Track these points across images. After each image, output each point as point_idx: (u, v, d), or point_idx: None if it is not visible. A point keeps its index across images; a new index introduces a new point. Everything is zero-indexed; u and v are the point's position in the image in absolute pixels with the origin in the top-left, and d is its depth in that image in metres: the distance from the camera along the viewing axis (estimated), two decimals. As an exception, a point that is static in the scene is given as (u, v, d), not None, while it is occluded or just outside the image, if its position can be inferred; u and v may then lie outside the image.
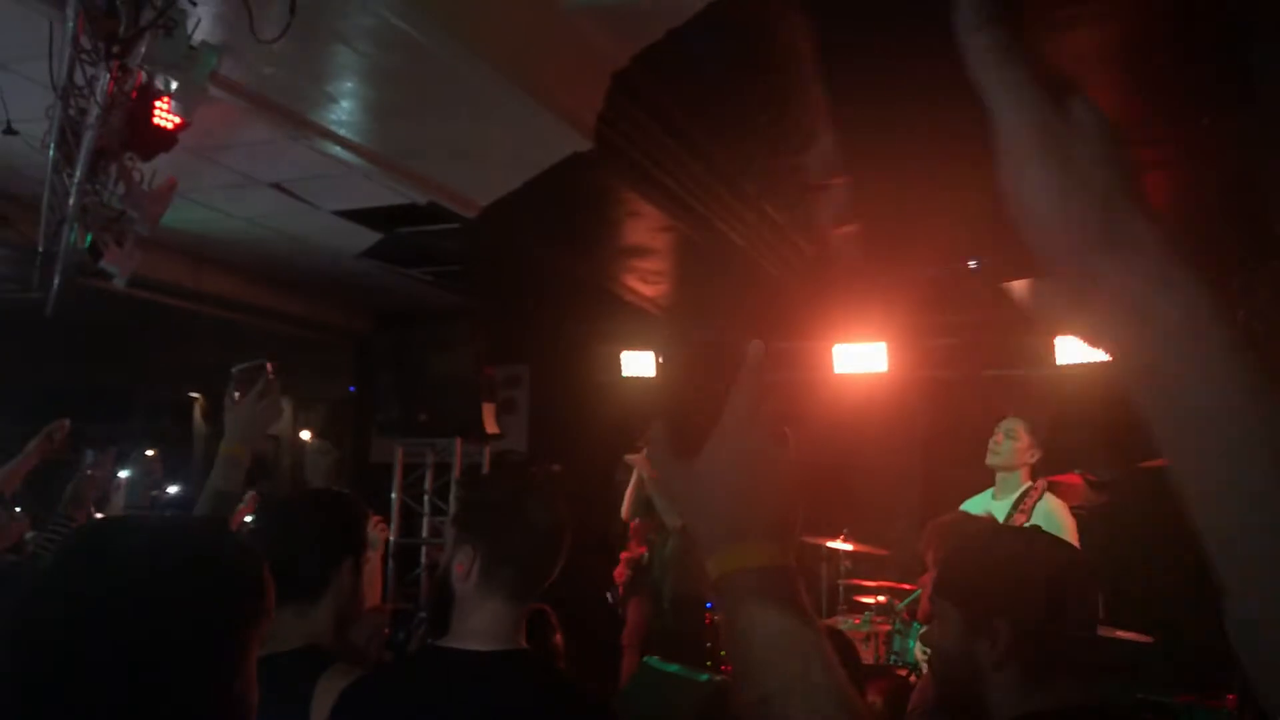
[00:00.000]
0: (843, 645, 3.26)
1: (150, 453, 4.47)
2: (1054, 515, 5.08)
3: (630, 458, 7.11)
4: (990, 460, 5.42)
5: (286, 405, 12.64)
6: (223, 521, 2.44)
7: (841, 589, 7.37)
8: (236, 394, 2.62)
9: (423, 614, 4.55)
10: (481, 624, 1.98)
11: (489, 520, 2.02)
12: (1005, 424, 5.47)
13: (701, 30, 4.48)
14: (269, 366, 2.66)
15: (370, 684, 2.08)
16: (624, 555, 7.82)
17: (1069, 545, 1.91)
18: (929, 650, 4.81)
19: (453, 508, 2.14)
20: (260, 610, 1.22)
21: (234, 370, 2.67)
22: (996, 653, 1.71)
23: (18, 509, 4.74)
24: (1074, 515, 5.19)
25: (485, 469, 9.15)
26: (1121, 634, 5.14)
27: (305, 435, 10.49)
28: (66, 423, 4.52)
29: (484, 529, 2.01)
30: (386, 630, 3.63)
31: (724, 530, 0.99)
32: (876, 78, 4.98)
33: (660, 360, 8.64)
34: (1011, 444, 5.40)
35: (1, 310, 8.97)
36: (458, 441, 9.28)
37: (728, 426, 1.01)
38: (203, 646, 1.14)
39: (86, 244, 5.36)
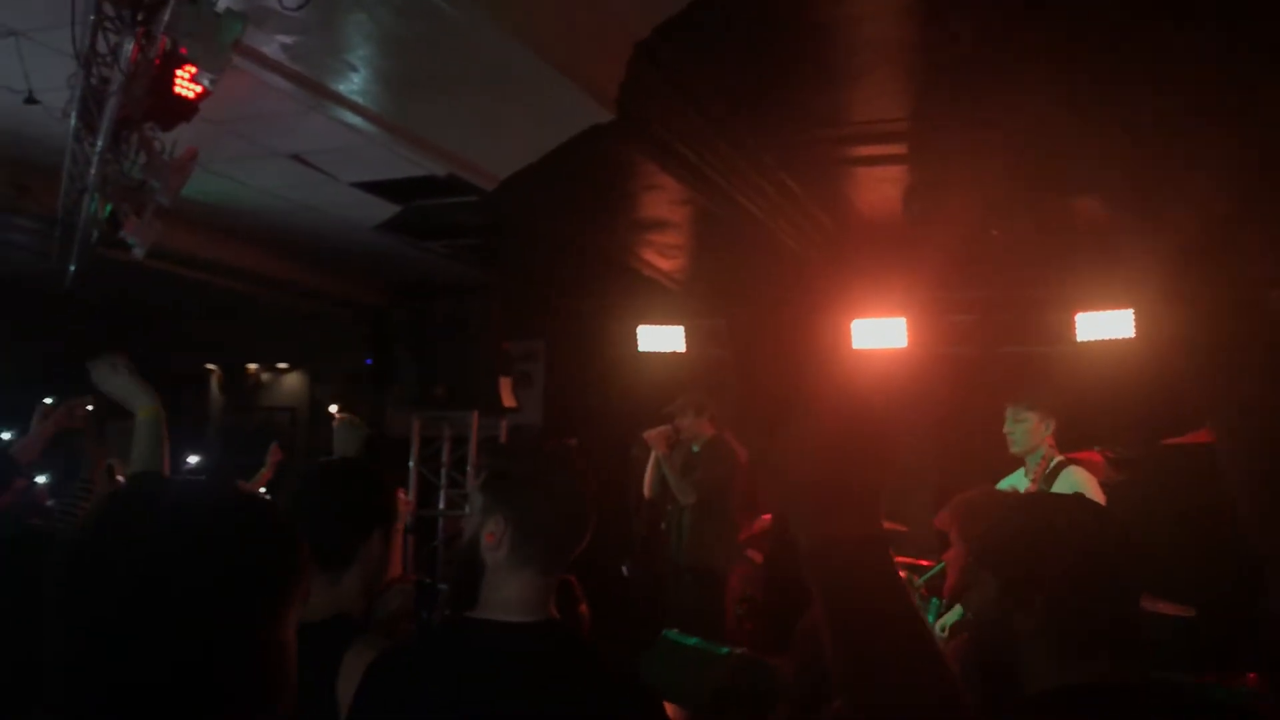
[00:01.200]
0: None
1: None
2: (1078, 483, 5.07)
3: (647, 434, 7.10)
4: (1013, 450, 5.44)
5: (303, 378, 12.68)
6: (237, 485, 2.45)
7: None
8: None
9: (443, 586, 4.54)
10: (514, 595, 1.97)
11: (520, 490, 2.00)
12: (1009, 413, 5.47)
13: (723, 2, 4.44)
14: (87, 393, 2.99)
15: (403, 655, 2.07)
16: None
17: (1113, 518, 1.88)
18: (945, 629, 4.81)
19: (479, 475, 2.10)
20: (296, 571, 1.20)
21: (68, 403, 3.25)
22: (1032, 622, 1.71)
23: (39, 478, 4.76)
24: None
25: (502, 440, 9.17)
26: (1164, 607, 5.13)
27: (333, 409, 10.53)
28: (89, 399, 4.53)
29: (515, 499, 1.99)
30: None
31: (821, 501, 1.07)
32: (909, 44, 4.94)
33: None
34: (1023, 427, 5.40)
35: (21, 279, 9.00)
36: (474, 415, 9.30)
37: (820, 404, 1.10)
38: (241, 611, 1.13)
39: (106, 214, 5.36)
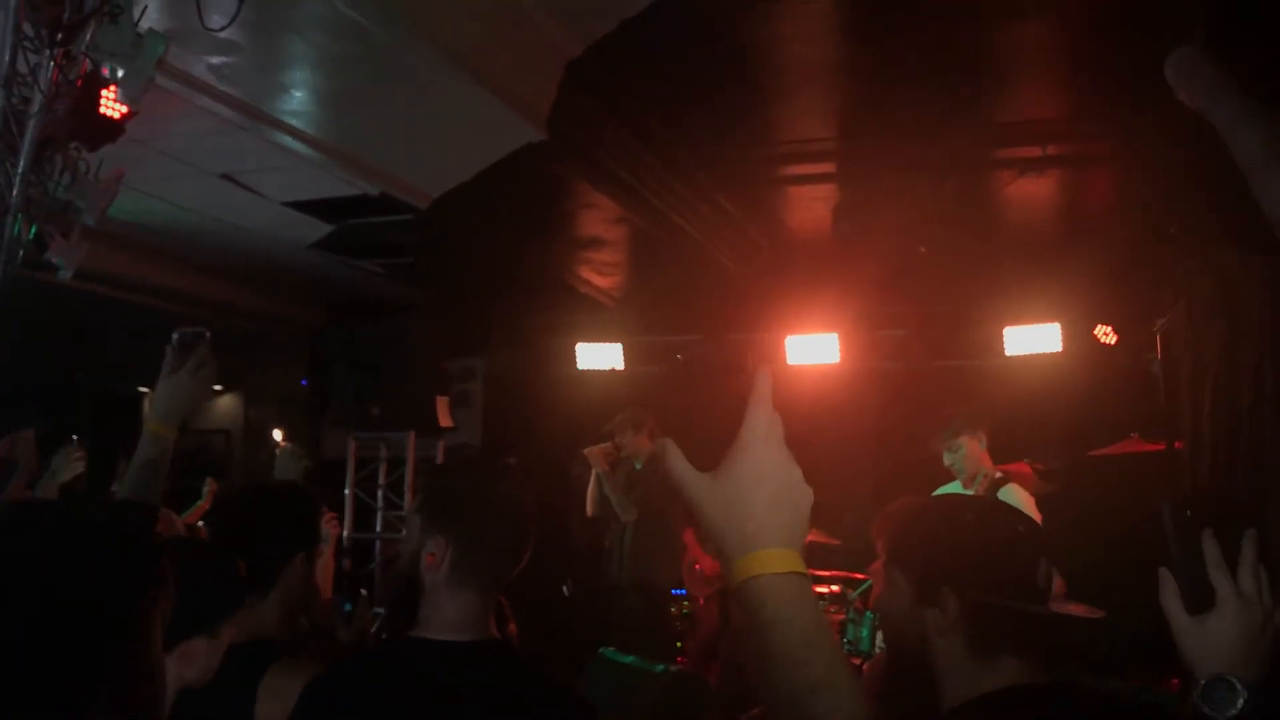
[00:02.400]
0: None
1: (74, 438, 4.43)
2: (1016, 500, 5.15)
3: (588, 451, 7.11)
4: (960, 478, 5.46)
5: (238, 399, 12.51)
6: (140, 504, 2.35)
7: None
8: (173, 365, 2.47)
9: (379, 609, 4.51)
10: (454, 614, 1.96)
11: (460, 511, 2.00)
12: (943, 446, 5.47)
13: (655, 20, 4.49)
14: (207, 335, 2.52)
15: (343, 675, 2.06)
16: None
17: (1027, 519, 1.90)
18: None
19: (419, 497, 2.09)
20: (153, 586, 1.20)
21: (174, 335, 2.55)
22: (944, 621, 1.71)
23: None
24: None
25: (438, 464, 9.12)
26: (1074, 608, 5.22)
27: (277, 434, 10.39)
28: (32, 433, 4.46)
29: (455, 520, 1.99)
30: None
31: (751, 537, 1.09)
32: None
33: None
34: (961, 454, 5.43)
35: (-57, 304, 8.79)
36: (411, 435, 9.23)
37: (748, 442, 1.12)
38: (91, 624, 1.13)
39: (31, 235, 5.26)
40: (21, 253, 5.59)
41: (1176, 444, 6.13)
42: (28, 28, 3.48)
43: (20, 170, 4.40)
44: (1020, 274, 7.73)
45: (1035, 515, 5.06)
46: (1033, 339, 7.94)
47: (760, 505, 1.10)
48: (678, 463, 1.14)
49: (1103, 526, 6.92)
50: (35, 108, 3.89)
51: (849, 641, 6.29)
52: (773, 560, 1.07)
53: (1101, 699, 1.88)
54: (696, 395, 8.75)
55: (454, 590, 1.97)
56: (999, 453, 5.73)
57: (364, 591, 7.66)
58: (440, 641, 1.95)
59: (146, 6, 3.50)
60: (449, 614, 1.97)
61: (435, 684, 1.91)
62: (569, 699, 2.01)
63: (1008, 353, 8.00)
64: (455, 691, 1.90)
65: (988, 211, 7.13)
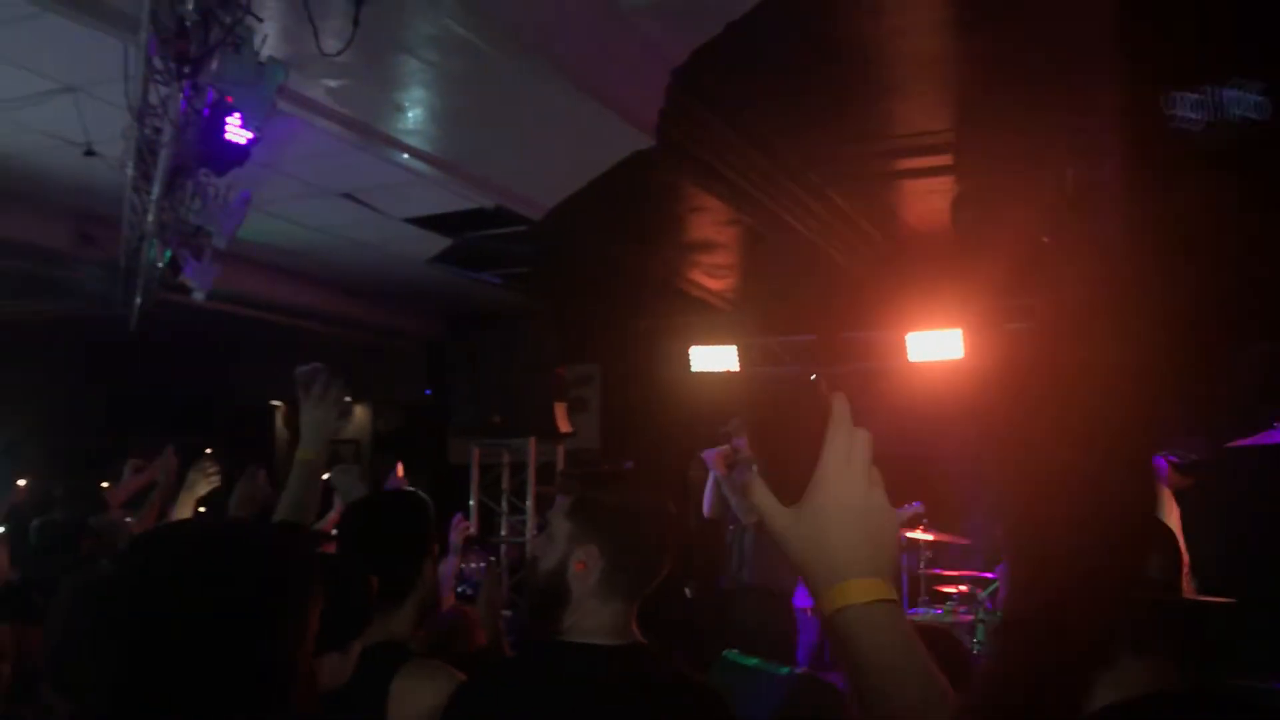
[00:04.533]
0: (952, 646, 3.21)
1: (209, 452, 4.66)
2: None
3: (705, 454, 7.09)
4: None
5: (365, 410, 12.85)
6: (291, 526, 2.48)
7: (923, 579, 7.29)
8: (301, 398, 2.67)
9: (508, 611, 4.58)
10: (604, 621, 1.99)
11: (611, 520, 2.03)
12: None
13: (760, 21, 4.47)
14: (322, 369, 2.71)
15: (493, 678, 2.10)
16: None
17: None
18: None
19: (569, 504, 2.11)
20: (291, 602, 1.29)
21: (296, 373, 2.72)
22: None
23: (128, 519, 4.94)
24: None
25: (559, 468, 9.22)
26: (1208, 599, 5.01)
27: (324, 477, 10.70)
28: (171, 450, 4.70)
29: (608, 530, 2.01)
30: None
31: (836, 570, 1.09)
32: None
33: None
34: None
35: (87, 325, 9.25)
36: (531, 441, 9.35)
37: (829, 472, 1.10)
38: (236, 637, 1.23)
39: (166, 259, 5.51)
40: (158, 276, 5.86)
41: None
42: (157, 61, 3.64)
43: (154, 197, 4.61)
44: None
45: (1172, 511, 4.88)
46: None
47: (843, 536, 1.09)
48: (762, 496, 1.14)
49: (1244, 520, 6.63)
50: (167, 137, 4.07)
51: (979, 642, 6.14)
52: (859, 590, 1.07)
53: (1252, 711, 1.78)
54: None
55: (602, 599, 1.99)
56: (1133, 447, 5.54)
57: (493, 558, 7.79)
58: (589, 645, 1.97)
59: (266, 36, 3.63)
60: (598, 620, 1.99)
61: (587, 687, 1.93)
62: (720, 705, 2.01)
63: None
64: (606, 694, 1.92)
65: (1113, 199, 6.90)
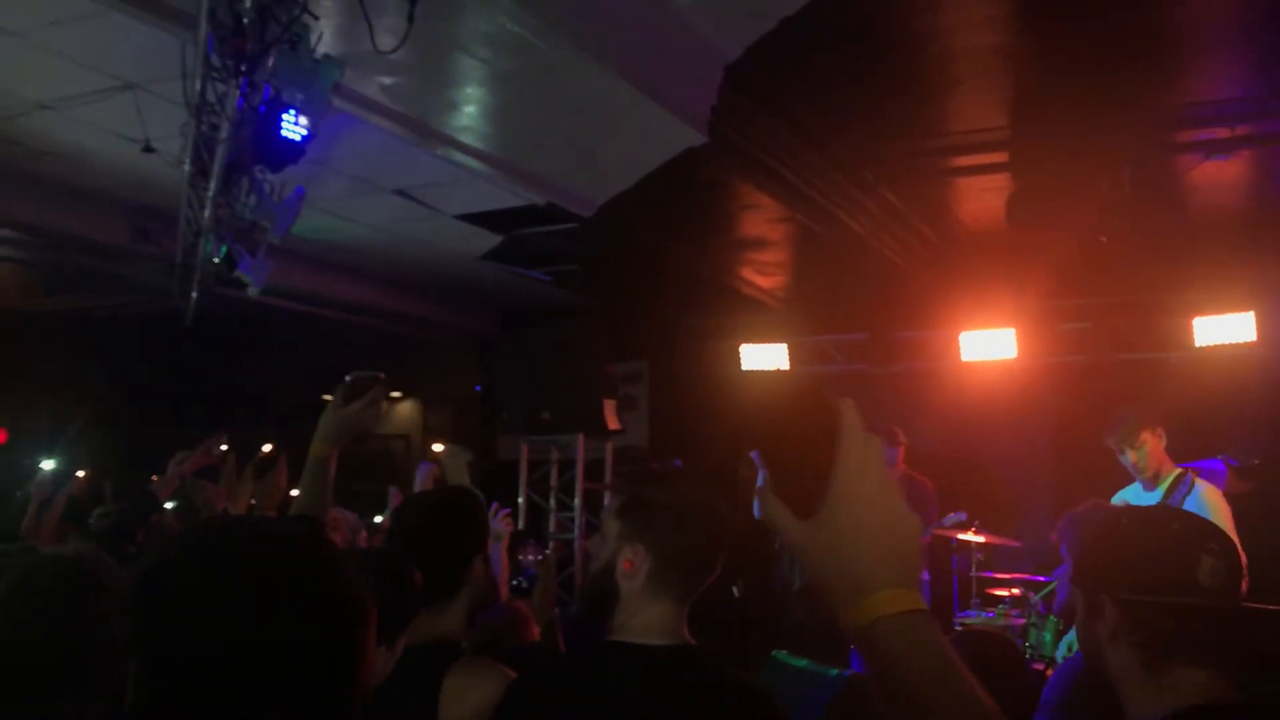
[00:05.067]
0: (1006, 650, 3.17)
1: (267, 448, 4.69)
2: (1204, 501, 4.87)
3: (754, 453, 7.06)
4: (1141, 477, 5.18)
5: (416, 405, 12.95)
6: (310, 520, 2.47)
7: (974, 582, 7.20)
8: (342, 398, 2.63)
9: (560, 609, 4.58)
10: (653, 621, 1.97)
11: (661, 519, 2.01)
12: (1122, 445, 5.18)
13: (816, 17, 4.42)
14: (381, 378, 2.68)
15: (545, 677, 2.10)
16: None
17: (1188, 517, 1.78)
18: (1072, 647, 4.66)
19: (618, 503, 2.10)
20: (345, 616, 1.25)
21: (347, 378, 2.70)
22: (1107, 629, 1.64)
23: (167, 505, 5.01)
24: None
25: (608, 466, 9.22)
26: (1263, 607, 4.87)
27: (437, 447, 10.77)
28: (224, 438, 4.73)
29: (656, 528, 2.00)
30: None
31: (860, 583, 1.05)
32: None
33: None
34: (1144, 450, 5.14)
35: (144, 319, 9.40)
36: (580, 438, 9.36)
37: (844, 482, 1.07)
38: (302, 654, 1.18)
39: (221, 254, 5.57)
40: (213, 272, 5.93)
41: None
42: (215, 59, 3.68)
43: (211, 193, 4.66)
44: (1209, 261, 7.30)
45: (1226, 514, 4.76)
46: (1224, 329, 7.49)
47: (864, 548, 1.06)
48: (776, 512, 1.10)
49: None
50: (223, 134, 4.11)
51: (1031, 646, 6.05)
52: (885, 602, 1.04)
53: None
54: (867, 398, 8.60)
55: (651, 598, 1.98)
56: (1190, 450, 5.43)
57: (547, 551, 7.81)
58: (639, 645, 1.96)
59: (322, 34, 3.65)
60: (646, 619, 1.98)
61: (639, 687, 1.92)
62: (770, 705, 1.99)
63: (1197, 344, 7.57)
64: (655, 696, 1.90)
65: (1172, 197, 6.77)
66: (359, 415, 2.61)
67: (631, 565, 1.97)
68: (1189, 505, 4.84)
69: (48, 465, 5.00)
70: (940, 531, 7.32)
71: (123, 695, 1.31)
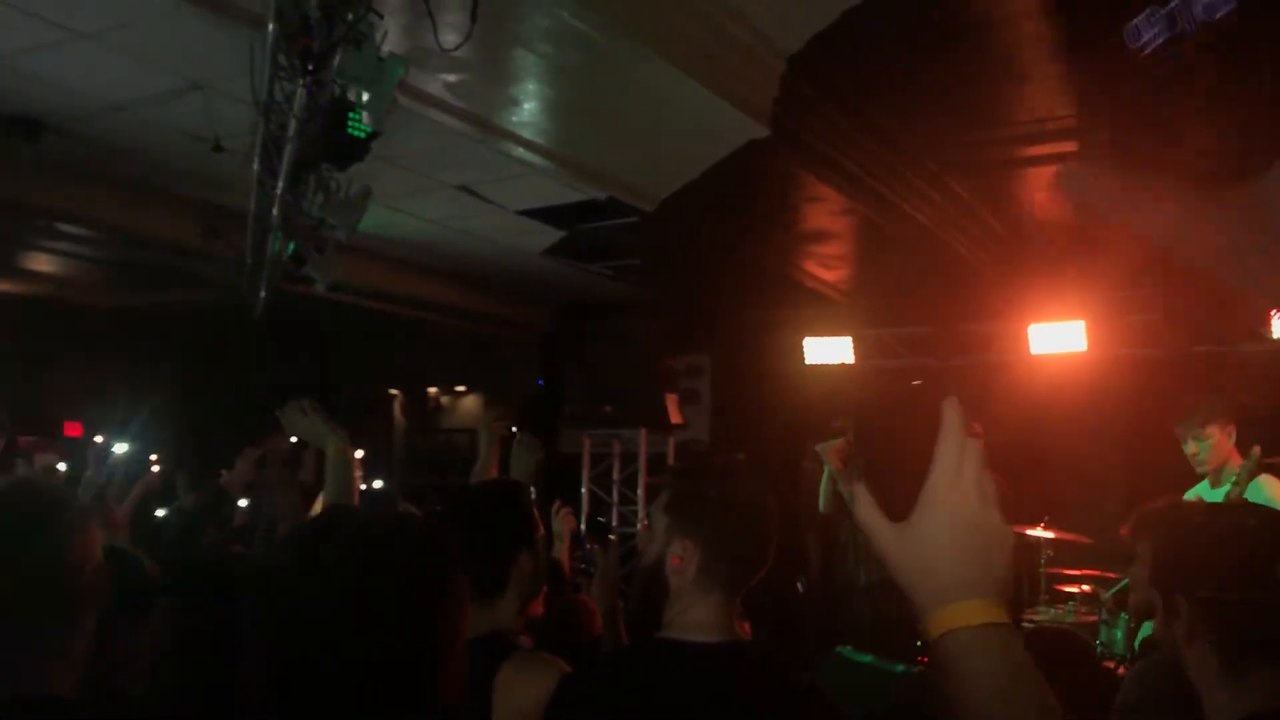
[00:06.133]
0: (1077, 648, 3.12)
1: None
2: (1262, 490, 4.74)
3: (821, 447, 7.00)
4: (1202, 470, 5.07)
5: (479, 400, 13.05)
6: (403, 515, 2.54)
7: (1043, 578, 7.09)
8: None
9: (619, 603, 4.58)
10: (702, 616, 1.97)
11: (708, 514, 2.00)
12: (1188, 434, 5.06)
13: (878, 7, 4.37)
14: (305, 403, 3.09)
15: (596, 674, 2.10)
16: None
17: (1268, 514, 1.74)
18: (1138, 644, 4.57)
19: (664, 497, 2.10)
20: (454, 583, 1.30)
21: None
22: (1183, 628, 1.62)
23: (241, 502, 5.11)
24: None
25: (670, 459, 9.23)
26: None
27: (514, 429, 10.92)
28: (287, 437, 4.83)
29: (703, 523, 1.99)
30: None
31: (943, 591, 1.03)
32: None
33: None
34: (1208, 444, 5.02)
35: (215, 316, 9.57)
36: (642, 432, 9.39)
37: (938, 487, 1.04)
38: (412, 621, 1.25)
39: (290, 252, 5.65)
40: (282, 269, 6.02)
41: None
42: (282, 59, 3.73)
43: (279, 191, 4.73)
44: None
45: None
46: (1308, 320, 7.30)
47: (951, 555, 1.03)
48: (868, 512, 1.08)
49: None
50: (291, 132, 4.17)
51: (1102, 644, 5.95)
52: (966, 613, 1.01)
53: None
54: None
55: (701, 593, 1.97)
56: (1267, 447, 5.29)
57: (612, 537, 7.84)
58: (689, 642, 1.95)
59: (386, 32, 3.68)
60: (696, 616, 1.97)
61: (687, 686, 1.91)
62: (823, 702, 1.97)
63: (1275, 335, 7.37)
64: (707, 693, 1.90)
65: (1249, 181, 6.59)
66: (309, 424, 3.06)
67: (681, 560, 1.97)
68: (1252, 498, 4.72)
69: (119, 449, 5.12)
70: (1011, 528, 7.21)
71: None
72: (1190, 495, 5.03)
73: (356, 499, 2.99)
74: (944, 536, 1.04)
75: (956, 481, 1.04)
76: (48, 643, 1.51)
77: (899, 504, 1.05)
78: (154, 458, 5.89)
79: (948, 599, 1.02)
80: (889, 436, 1.13)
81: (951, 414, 1.06)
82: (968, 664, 1.00)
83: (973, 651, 1.00)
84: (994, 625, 1.01)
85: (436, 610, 1.29)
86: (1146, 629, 4.55)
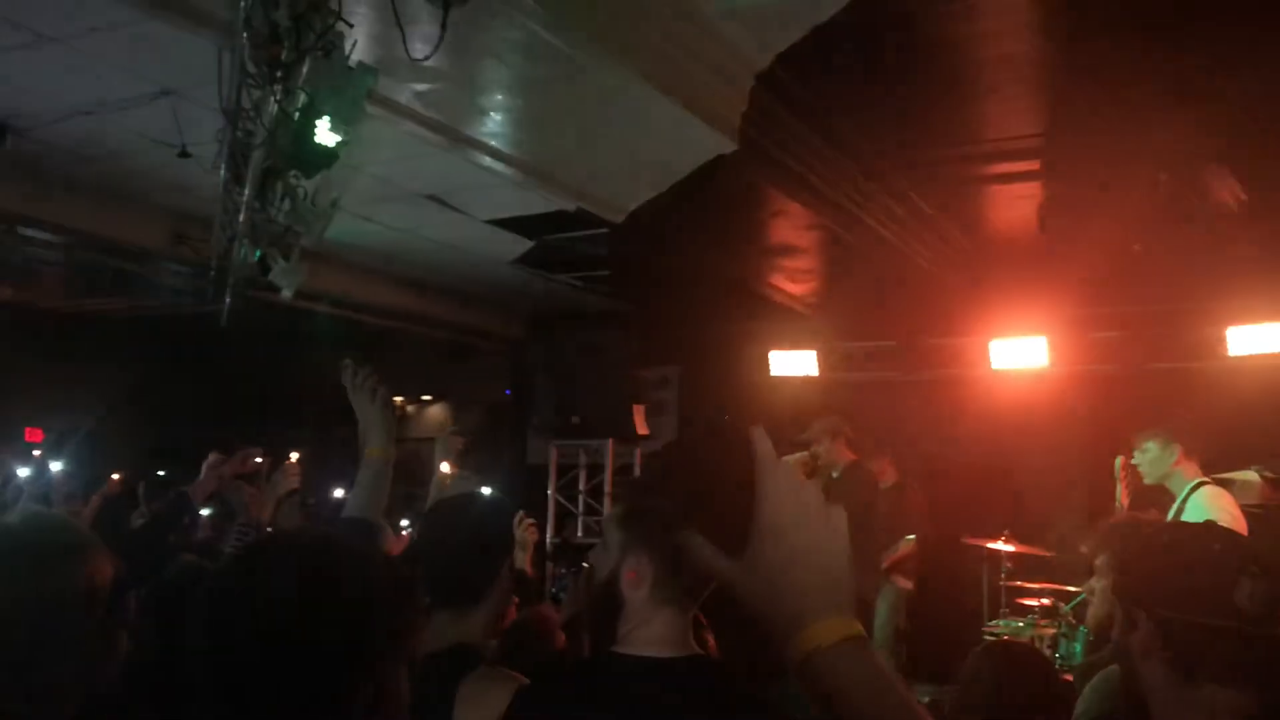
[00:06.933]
0: (1037, 661, 3.14)
1: (294, 456, 4.74)
2: (1202, 506, 4.79)
3: (787, 459, 7.03)
4: (1146, 481, 5.13)
5: (446, 409, 13.00)
6: (367, 531, 2.51)
7: (1003, 591, 7.16)
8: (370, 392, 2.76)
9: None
10: (658, 632, 1.95)
11: (662, 529, 2.00)
12: (1137, 444, 5.14)
13: (847, 25, 4.42)
14: (349, 364, 2.81)
15: (550, 688, 2.10)
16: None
17: (1231, 538, 1.78)
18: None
19: (617, 511, 2.09)
20: (403, 624, 1.29)
21: (349, 366, 2.82)
22: (1140, 643, 1.65)
23: (204, 511, 5.05)
24: (1251, 513, 4.89)
25: (636, 470, 9.22)
26: None
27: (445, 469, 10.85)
28: (260, 451, 4.78)
29: (657, 538, 2.00)
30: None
31: (797, 615, 1.03)
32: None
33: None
34: (1146, 458, 5.06)
35: (180, 323, 9.50)
36: (610, 443, 9.38)
37: (767, 514, 1.06)
38: (341, 667, 1.24)
39: (256, 258, 5.63)
40: (247, 275, 5.99)
41: None
42: (251, 66, 3.72)
43: (245, 198, 4.71)
44: (1246, 271, 7.23)
45: (1239, 520, 4.68)
46: (1259, 338, 7.41)
47: (795, 580, 1.04)
48: (707, 553, 1.09)
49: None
50: (258, 139, 4.16)
51: (1061, 656, 6.00)
52: (823, 632, 1.02)
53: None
54: (897, 406, 8.59)
55: (656, 608, 1.96)
56: (1224, 461, 5.37)
57: (585, 564, 7.82)
58: (644, 658, 1.95)
59: (356, 41, 3.68)
60: (652, 631, 1.96)
61: (642, 701, 1.90)
62: (774, 716, 1.98)
63: (1231, 353, 7.49)
64: (661, 709, 1.89)
65: (1205, 206, 6.70)
66: (369, 406, 2.76)
67: (635, 575, 1.96)
68: (1189, 511, 4.76)
69: (55, 467, 5.04)
70: (972, 540, 7.29)
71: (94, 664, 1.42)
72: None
73: (378, 514, 2.86)
74: (781, 560, 1.04)
75: (783, 506, 1.06)
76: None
77: (733, 539, 1.06)
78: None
79: (803, 623, 1.03)
80: (708, 476, 1.15)
81: (763, 442, 1.09)
82: (834, 681, 1.01)
83: (837, 669, 1.01)
84: (851, 639, 1.02)
85: (374, 651, 1.27)
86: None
